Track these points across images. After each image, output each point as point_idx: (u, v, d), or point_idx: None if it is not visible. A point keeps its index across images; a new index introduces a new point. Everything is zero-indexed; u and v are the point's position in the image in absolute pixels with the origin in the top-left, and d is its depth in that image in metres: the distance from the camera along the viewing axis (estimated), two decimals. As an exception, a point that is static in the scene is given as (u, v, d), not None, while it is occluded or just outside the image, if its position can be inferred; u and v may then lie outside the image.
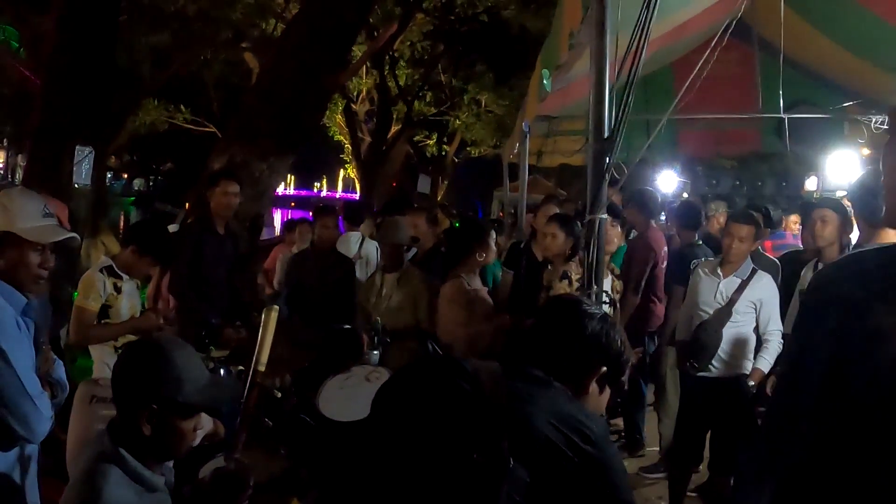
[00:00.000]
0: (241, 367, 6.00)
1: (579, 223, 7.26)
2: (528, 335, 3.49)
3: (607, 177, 4.25)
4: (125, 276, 7.44)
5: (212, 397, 3.72)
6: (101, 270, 7.41)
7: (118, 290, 7.35)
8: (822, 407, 2.19)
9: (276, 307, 5.01)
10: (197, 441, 3.82)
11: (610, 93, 4.31)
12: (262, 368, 4.73)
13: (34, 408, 4.58)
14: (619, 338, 3.41)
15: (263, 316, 4.82)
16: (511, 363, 3.18)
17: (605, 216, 4.33)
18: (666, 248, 9.92)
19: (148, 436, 3.50)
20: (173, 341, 3.91)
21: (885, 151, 2.33)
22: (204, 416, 3.87)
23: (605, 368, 3.37)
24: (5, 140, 50.84)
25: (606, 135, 4.22)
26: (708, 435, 8.04)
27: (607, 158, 4.23)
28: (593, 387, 3.34)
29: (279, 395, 5.67)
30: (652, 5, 4.07)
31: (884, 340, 2.05)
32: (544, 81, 6.78)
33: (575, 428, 3.02)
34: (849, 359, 2.13)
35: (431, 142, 36.00)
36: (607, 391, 3.41)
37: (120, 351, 5.76)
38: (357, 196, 34.23)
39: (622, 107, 4.23)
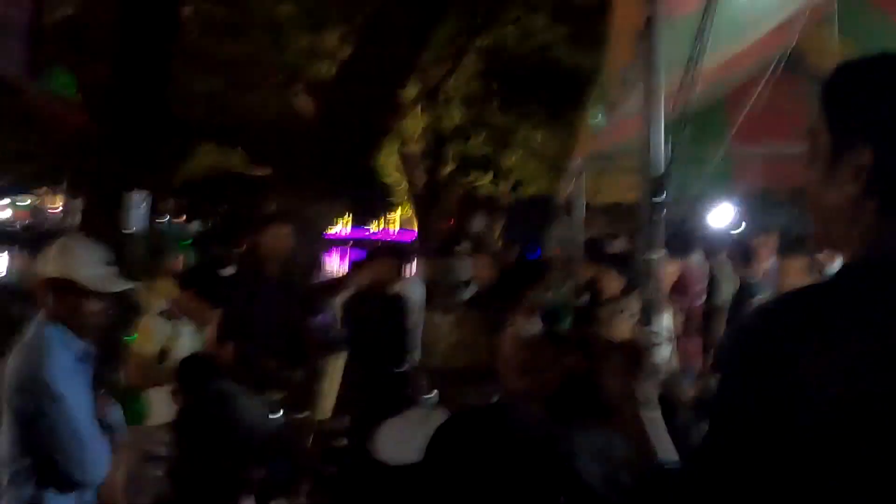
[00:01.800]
0: (303, 415, 6.01)
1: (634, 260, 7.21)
2: (586, 380, 3.42)
3: (662, 215, 4.20)
4: (183, 320, 7.48)
5: (274, 448, 3.72)
6: (158, 314, 7.46)
7: (175, 333, 7.39)
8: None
9: (342, 356, 5.02)
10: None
11: (663, 129, 4.27)
12: (326, 417, 4.74)
13: (91, 453, 4.62)
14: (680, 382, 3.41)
15: (328, 365, 4.83)
16: (568, 407, 3.15)
17: (659, 255, 4.28)
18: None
19: (211, 484, 3.49)
20: (237, 390, 3.91)
21: (806, 176, 2.31)
22: None
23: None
24: (64, 185, 51.35)
25: (660, 172, 4.17)
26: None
27: (661, 196, 4.18)
28: None
29: (343, 442, 5.67)
30: (703, 40, 4.03)
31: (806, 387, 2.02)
32: (597, 119, 6.75)
33: (625, 468, 2.99)
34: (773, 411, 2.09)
35: (486, 181, 35.98)
36: None
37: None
38: (413, 236, 34.27)
39: (675, 144, 4.19)
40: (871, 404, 1.97)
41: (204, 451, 3.52)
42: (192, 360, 5.53)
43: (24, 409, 4.51)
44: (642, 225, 4.23)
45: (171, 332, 7.46)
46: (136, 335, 7.67)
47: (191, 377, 4.95)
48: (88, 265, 4.75)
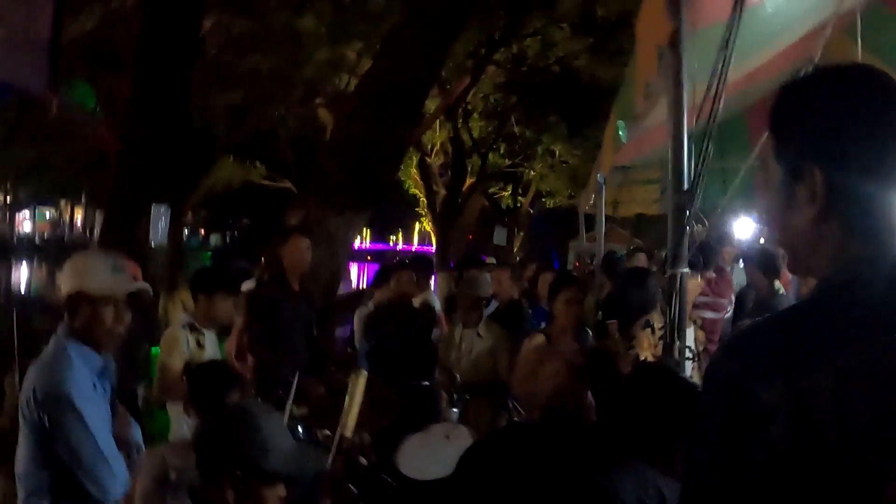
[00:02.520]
0: (325, 432, 5.96)
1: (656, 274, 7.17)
2: (619, 404, 3.43)
3: (688, 229, 4.17)
4: (206, 332, 7.48)
5: (297, 467, 3.68)
6: (183, 327, 7.46)
7: (200, 345, 7.39)
8: None
9: (365, 372, 4.98)
10: None
11: (688, 142, 4.24)
12: (349, 434, 4.70)
13: (109, 470, 4.60)
14: None
15: (350, 382, 4.79)
16: (602, 431, 3.13)
17: (686, 270, 4.24)
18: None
19: (231, 502, 3.46)
20: (260, 407, 3.89)
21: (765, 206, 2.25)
22: None
23: None
24: (84, 198, 51.63)
25: (686, 186, 4.14)
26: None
27: (687, 211, 4.15)
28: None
29: (364, 461, 5.62)
30: (728, 52, 4.01)
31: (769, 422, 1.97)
32: (620, 132, 6.73)
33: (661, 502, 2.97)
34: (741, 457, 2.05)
35: (506, 193, 35.99)
36: None
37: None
38: (433, 249, 34.26)
39: (700, 157, 4.17)
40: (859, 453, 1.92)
41: (223, 470, 3.50)
42: (205, 370, 5.48)
43: (43, 423, 4.50)
44: (670, 238, 4.20)
45: (196, 344, 7.45)
46: (160, 347, 7.67)
47: (204, 389, 4.91)
48: (95, 274, 4.76)
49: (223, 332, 8.35)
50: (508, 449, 2.85)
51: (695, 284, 8.46)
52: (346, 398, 4.75)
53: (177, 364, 7.18)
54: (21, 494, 4.74)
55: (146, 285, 5.13)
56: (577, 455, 2.82)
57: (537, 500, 2.63)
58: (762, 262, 10.31)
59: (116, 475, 4.65)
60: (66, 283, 4.77)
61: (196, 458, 3.59)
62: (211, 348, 7.43)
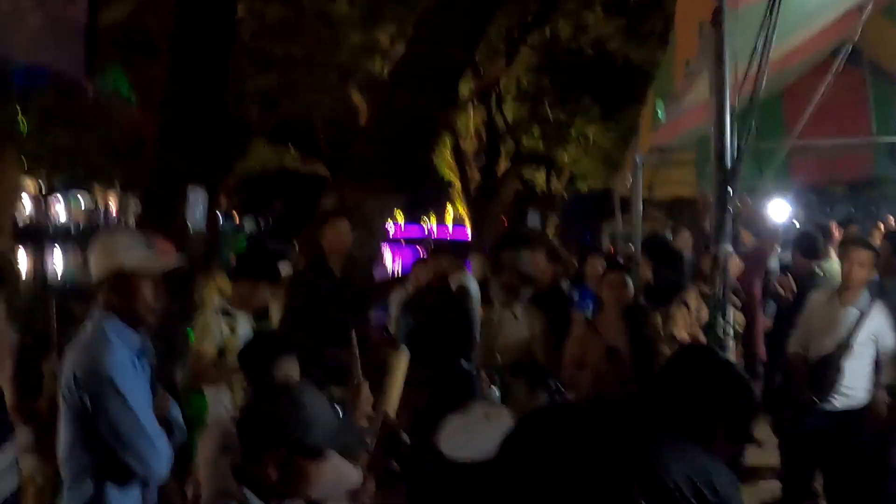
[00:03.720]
0: (367, 411, 5.98)
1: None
2: (660, 384, 3.44)
3: (730, 207, 4.16)
4: (239, 315, 7.50)
5: (341, 441, 3.68)
6: (216, 312, 7.48)
7: (233, 330, 7.41)
8: None
9: (405, 351, 4.99)
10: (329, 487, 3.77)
11: (730, 120, 4.23)
12: (391, 413, 4.71)
13: (153, 447, 4.63)
14: (752, 389, 3.36)
15: (391, 360, 4.80)
16: (646, 411, 3.12)
17: (729, 247, 4.23)
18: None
19: (274, 479, 3.47)
20: (301, 384, 3.90)
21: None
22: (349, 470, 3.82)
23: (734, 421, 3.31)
24: (118, 185, 51.76)
25: (729, 164, 4.13)
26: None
27: (730, 188, 4.14)
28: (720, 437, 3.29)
29: (406, 439, 5.63)
30: (771, 29, 3.99)
31: None
32: (658, 111, 6.71)
33: (707, 481, 2.96)
34: None
35: (540, 177, 35.90)
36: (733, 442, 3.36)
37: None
38: (468, 233, 34.25)
39: (743, 135, 4.15)
40: None
41: (266, 447, 3.51)
42: (254, 341, 5.52)
43: (85, 404, 4.52)
44: (712, 216, 4.19)
45: (229, 330, 7.47)
46: (193, 332, 7.68)
47: (255, 360, 4.93)
48: (133, 250, 4.79)
49: (257, 317, 8.38)
50: (554, 427, 2.84)
51: (735, 264, 8.43)
52: (387, 377, 4.77)
53: (209, 349, 7.22)
54: (66, 476, 4.77)
55: (181, 261, 5.15)
56: (624, 434, 2.80)
57: (584, 479, 2.63)
58: (803, 245, 10.29)
59: (160, 452, 4.68)
60: (100, 261, 4.78)
61: (238, 436, 3.60)
62: (243, 332, 7.45)
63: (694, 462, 3.03)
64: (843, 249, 8.06)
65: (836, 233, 12.43)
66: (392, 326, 11.57)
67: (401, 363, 4.75)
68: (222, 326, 7.41)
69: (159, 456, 4.69)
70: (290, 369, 4.98)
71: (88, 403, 4.56)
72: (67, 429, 4.73)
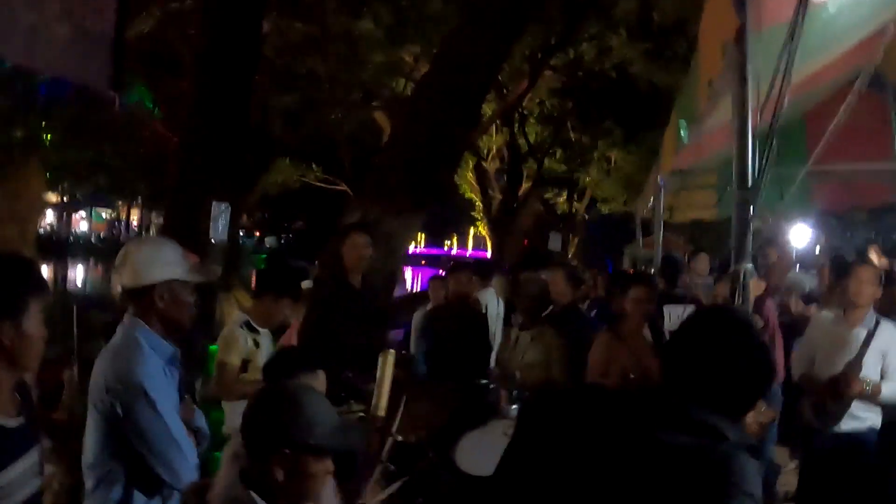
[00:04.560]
0: (359, 413, 6.02)
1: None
2: (683, 357, 3.13)
3: (751, 227, 4.18)
4: (262, 331, 7.53)
5: (343, 440, 3.71)
6: (240, 326, 7.52)
7: (257, 344, 7.44)
8: None
9: (392, 351, 5.03)
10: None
11: (752, 141, 4.24)
12: (381, 413, 4.74)
13: (182, 455, 4.66)
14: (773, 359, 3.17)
15: (380, 360, 4.84)
16: (671, 400, 2.96)
17: (750, 266, 4.24)
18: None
19: (281, 481, 3.50)
20: (302, 386, 3.93)
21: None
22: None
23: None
24: (140, 198, 52.03)
25: (750, 184, 4.15)
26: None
27: (751, 207, 4.15)
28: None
29: (400, 438, 5.64)
30: (793, 52, 4.01)
31: None
32: (681, 132, 6.72)
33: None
34: None
35: (562, 199, 35.94)
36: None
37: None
38: (488, 254, 34.30)
39: (764, 155, 4.17)
40: None
41: (271, 449, 3.55)
42: (279, 355, 5.56)
43: (115, 411, 4.55)
44: (733, 236, 4.20)
45: (253, 344, 7.50)
46: (217, 346, 7.71)
47: (281, 374, 4.95)
48: (180, 264, 4.84)
49: (276, 333, 8.41)
50: (570, 411, 2.81)
51: (756, 284, 8.39)
52: (377, 378, 4.81)
53: (235, 362, 7.25)
54: (90, 483, 4.80)
55: (214, 271, 5.24)
56: (641, 416, 2.75)
57: (600, 464, 2.61)
58: (838, 269, 10.28)
59: (188, 460, 4.70)
60: (138, 270, 4.81)
61: (243, 438, 3.63)
62: (266, 347, 7.48)
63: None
64: (849, 269, 8.06)
65: (876, 257, 12.30)
66: (412, 343, 11.61)
67: (387, 364, 4.79)
68: (247, 340, 7.45)
69: (187, 463, 4.72)
70: (316, 384, 5.01)
71: (119, 410, 4.60)
72: (95, 435, 4.76)
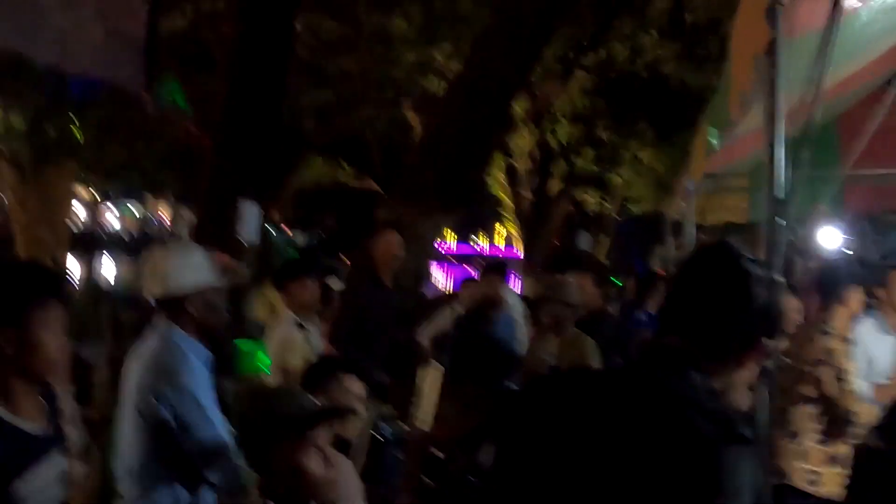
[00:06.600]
0: (405, 426, 6.02)
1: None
2: (679, 299, 2.98)
3: (783, 238, 4.16)
4: (311, 328, 7.60)
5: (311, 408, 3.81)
6: (294, 326, 7.58)
7: (308, 342, 7.51)
8: None
9: (441, 367, 5.04)
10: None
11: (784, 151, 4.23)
12: (425, 428, 4.76)
13: (231, 458, 4.70)
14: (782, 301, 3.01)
15: (424, 374, 4.86)
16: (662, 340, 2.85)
17: (780, 278, 4.23)
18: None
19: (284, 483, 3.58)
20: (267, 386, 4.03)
21: None
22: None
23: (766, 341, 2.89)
24: (171, 196, 52.15)
25: (781, 195, 4.13)
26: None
27: (782, 219, 4.14)
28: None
29: (440, 454, 5.67)
30: (826, 59, 4.00)
31: None
32: (712, 139, 6.70)
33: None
34: None
35: (592, 199, 35.85)
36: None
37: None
38: (518, 253, 34.25)
39: (795, 164, 4.15)
40: None
41: (263, 443, 3.62)
42: (321, 363, 5.59)
43: (163, 417, 4.59)
44: (764, 247, 4.19)
45: (306, 343, 7.55)
46: (270, 347, 7.73)
47: (319, 381, 4.98)
48: (202, 268, 4.88)
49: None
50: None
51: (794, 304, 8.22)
52: (420, 391, 4.83)
53: (298, 364, 7.25)
54: (131, 486, 4.83)
55: (244, 272, 5.29)
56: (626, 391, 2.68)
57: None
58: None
59: (236, 464, 4.74)
60: (165, 281, 4.84)
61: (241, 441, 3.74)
62: (315, 344, 7.54)
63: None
64: (885, 275, 8.00)
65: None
66: (424, 340, 11.66)
67: (429, 378, 4.81)
68: (302, 341, 7.51)
69: (232, 465, 4.76)
70: (355, 389, 5.03)
71: (169, 415, 4.64)
72: (138, 440, 4.81)
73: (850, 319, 7.57)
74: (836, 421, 7.16)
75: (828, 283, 7.99)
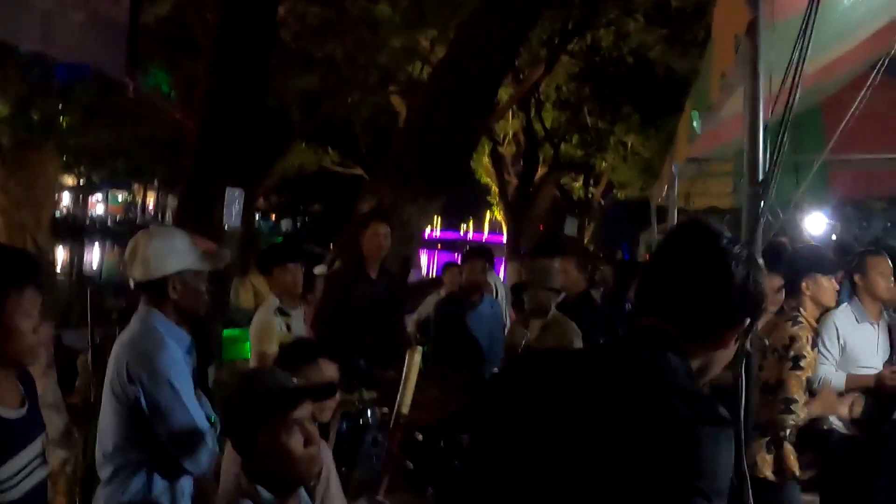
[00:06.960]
0: (385, 409, 6.00)
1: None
2: (657, 279, 2.92)
3: (762, 221, 4.15)
4: (293, 313, 7.60)
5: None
6: (274, 312, 7.58)
7: (289, 328, 7.51)
8: None
9: (420, 348, 5.02)
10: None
11: (763, 134, 4.22)
12: (405, 410, 4.75)
13: (203, 442, 4.70)
14: (761, 280, 2.97)
15: (407, 357, 4.84)
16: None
17: (760, 262, 4.22)
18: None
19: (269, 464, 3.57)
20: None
21: None
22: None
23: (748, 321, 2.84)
24: (156, 181, 52.21)
25: (761, 177, 4.13)
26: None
27: (762, 202, 4.13)
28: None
29: (420, 437, 5.64)
30: (806, 42, 3.99)
31: None
32: (694, 123, 6.70)
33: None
34: None
35: (578, 184, 35.89)
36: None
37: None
38: (504, 238, 34.30)
39: (776, 148, 4.14)
40: None
41: (247, 428, 3.64)
42: (295, 346, 5.54)
43: (138, 400, 4.59)
44: (744, 231, 4.18)
45: (286, 328, 7.56)
46: (252, 333, 7.74)
47: (294, 364, 4.96)
48: (192, 252, 4.88)
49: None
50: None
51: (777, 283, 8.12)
52: (403, 375, 4.81)
53: (273, 350, 7.26)
54: (106, 471, 4.83)
55: (227, 256, 5.27)
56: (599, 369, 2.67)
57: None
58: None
59: (209, 448, 4.74)
60: (152, 262, 4.83)
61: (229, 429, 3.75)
62: (298, 330, 7.54)
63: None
64: (861, 261, 7.96)
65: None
66: (411, 325, 11.64)
67: (414, 361, 4.78)
68: (281, 325, 7.51)
69: (208, 451, 4.76)
70: (329, 372, 5.02)
71: (143, 399, 4.64)
72: (114, 424, 4.80)
73: (818, 308, 7.49)
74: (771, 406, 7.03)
75: (788, 272, 7.91)
